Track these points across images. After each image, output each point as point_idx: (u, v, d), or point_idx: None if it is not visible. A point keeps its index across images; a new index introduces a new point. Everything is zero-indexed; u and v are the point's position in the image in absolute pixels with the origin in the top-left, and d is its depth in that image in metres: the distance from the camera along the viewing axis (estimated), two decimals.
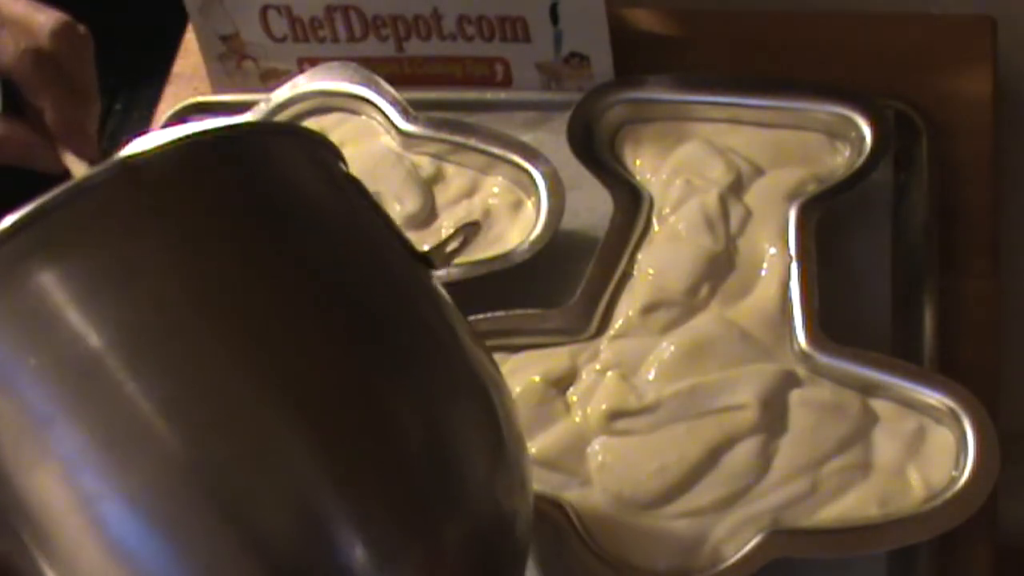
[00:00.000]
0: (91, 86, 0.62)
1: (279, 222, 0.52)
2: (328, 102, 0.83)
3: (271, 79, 0.85)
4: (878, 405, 0.67)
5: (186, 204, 0.50)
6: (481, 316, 0.71)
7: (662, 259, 0.73)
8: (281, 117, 0.82)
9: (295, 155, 0.54)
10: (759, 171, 0.76)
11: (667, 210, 0.75)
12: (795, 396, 0.68)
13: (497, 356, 0.70)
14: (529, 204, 0.77)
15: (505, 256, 0.74)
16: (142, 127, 0.87)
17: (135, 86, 0.95)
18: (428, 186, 0.79)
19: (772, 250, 0.72)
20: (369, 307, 0.52)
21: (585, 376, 0.70)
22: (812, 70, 0.80)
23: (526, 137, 0.79)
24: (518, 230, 0.76)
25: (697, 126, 0.78)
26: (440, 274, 0.57)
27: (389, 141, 0.81)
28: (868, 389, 0.67)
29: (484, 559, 0.51)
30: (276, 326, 0.49)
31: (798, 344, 0.69)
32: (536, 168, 0.76)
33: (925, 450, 0.66)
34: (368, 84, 0.81)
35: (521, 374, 0.70)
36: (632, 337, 0.71)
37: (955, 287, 0.73)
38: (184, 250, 0.49)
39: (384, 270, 0.54)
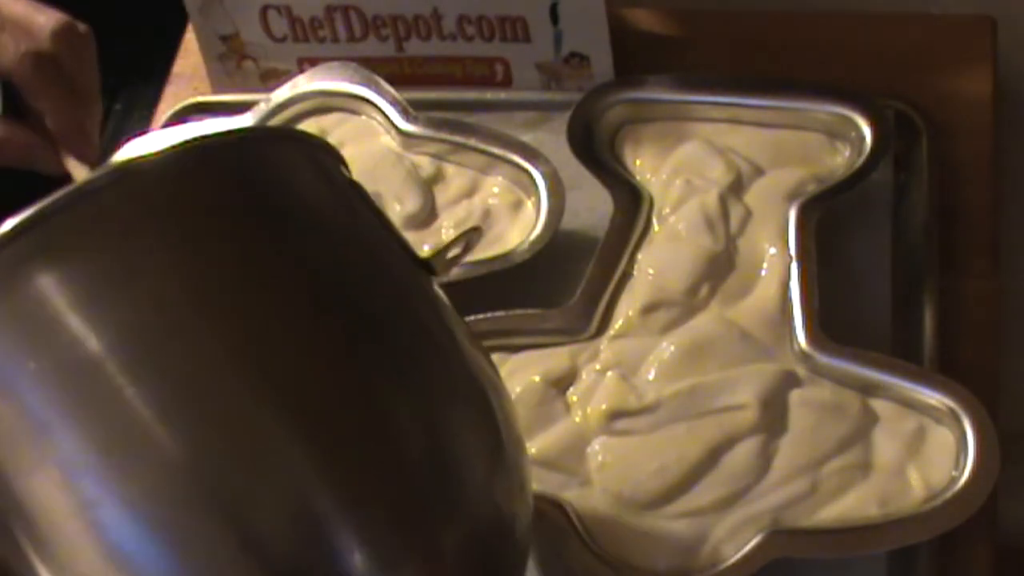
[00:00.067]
0: (92, 87, 0.62)
1: (279, 226, 0.52)
2: (328, 102, 0.83)
3: (271, 79, 0.85)
4: (878, 405, 0.67)
5: (186, 208, 0.50)
6: (481, 316, 0.71)
7: (662, 259, 0.73)
8: (281, 117, 0.82)
9: (295, 159, 0.54)
10: (759, 171, 0.76)
11: (667, 210, 0.75)
12: (795, 396, 0.68)
13: (497, 356, 0.71)
14: (529, 204, 0.77)
15: (505, 256, 0.74)
16: (142, 127, 0.87)
17: (135, 86, 0.95)
18: (428, 186, 0.79)
19: (772, 250, 0.72)
20: (368, 311, 0.52)
21: (585, 376, 0.70)
22: (812, 70, 0.80)
23: (526, 137, 0.79)
24: (518, 230, 0.76)
25: (697, 126, 0.78)
26: None
27: (389, 141, 0.81)
28: (868, 389, 0.67)
29: (484, 562, 0.51)
30: (275, 330, 0.49)
31: (798, 344, 0.69)
32: (536, 168, 0.76)
33: (925, 450, 0.66)
34: (368, 84, 0.81)
35: (521, 374, 0.70)
36: (632, 337, 0.71)
37: (955, 287, 0.73)
38: (184, 254, 0.49)
39: (384, 274, 0.54)
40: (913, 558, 0.65)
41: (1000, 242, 0.76)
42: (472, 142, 0.79)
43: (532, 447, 0.68)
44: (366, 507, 0.48)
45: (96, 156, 0.62)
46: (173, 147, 0.51)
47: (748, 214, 0.74)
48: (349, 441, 0.49)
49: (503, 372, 0.70)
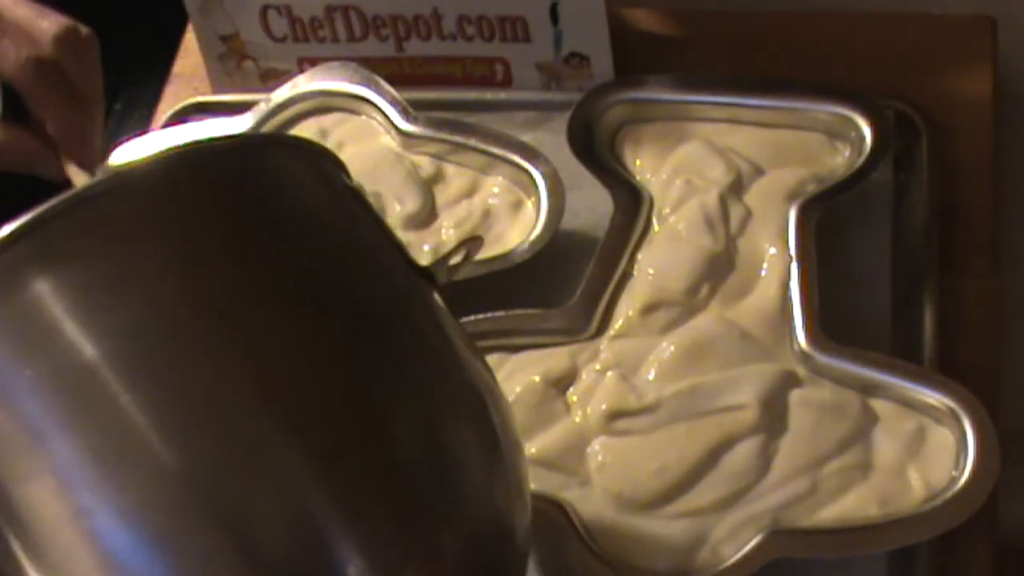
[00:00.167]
0: (95, 92, 0.62)
1: (277, 232, 0.51)
2: (328, 102, 0.83)
3: (271, 79, 0.85)
4: (878, 405, 0.67)
5: (184, 213, 0.50)
6: (481, 316, 0.71)
7: (662, 259, 0.73)
8: (281, 117, 0.82)
9: (295, 165, 0.54)
10: (759, 171, 0.76)
11: (667, 210, 0.75)
12: (795, 396, 0.68)
13: (497, 356, 0.71)
14: (529, 204, 0.77)
15: (505, 256, 0.74)
16: (142, 127, 0.87)
17: (135, 86, 0.95)
18: (428, 186, 0.79)
19: (772, 250, 0.72)
20: (366, 317, 0.51)
21: (585, 376, 0.70)
22: (812, 70, 0.80)
23: (526, 137, 0.79)
24: (518, 230, 0.76)
25: (697, 126, 0.78)
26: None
27: (389, 141, 0.81)
28: (868, 389, 0.67)
29: (484, 565, 0.51)
30: (273, 336, 0.49)
31: (798, 344, 0.69)
32: (536, 168, 0.76)
33: (925, 450, 0.66)
34: (368, 84, 0.81)
35: (521, 374, 0.70)
36: (632, 337, 0.71)
37: (955, 287, 0.73)
38: (182, 259, 0.49)
39: (382, 281, 0.53)
40: (913, 558, 0.65)
41: (1000, 242, 0.76)
42: (472, 142, 0.79)
43: (532, 447, 0.68)
44: (364, 513, 0.48)
45: (97, 162, 0.62)
46: (171, 152, 0.51)
47: (748, 214, 0.74)
48: (347, 447, 0.49)
49: (503, 372, 0.70)
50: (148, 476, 0.47)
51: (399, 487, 0.49)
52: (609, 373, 0.69)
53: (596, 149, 0.77)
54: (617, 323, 0.71)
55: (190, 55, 0.88)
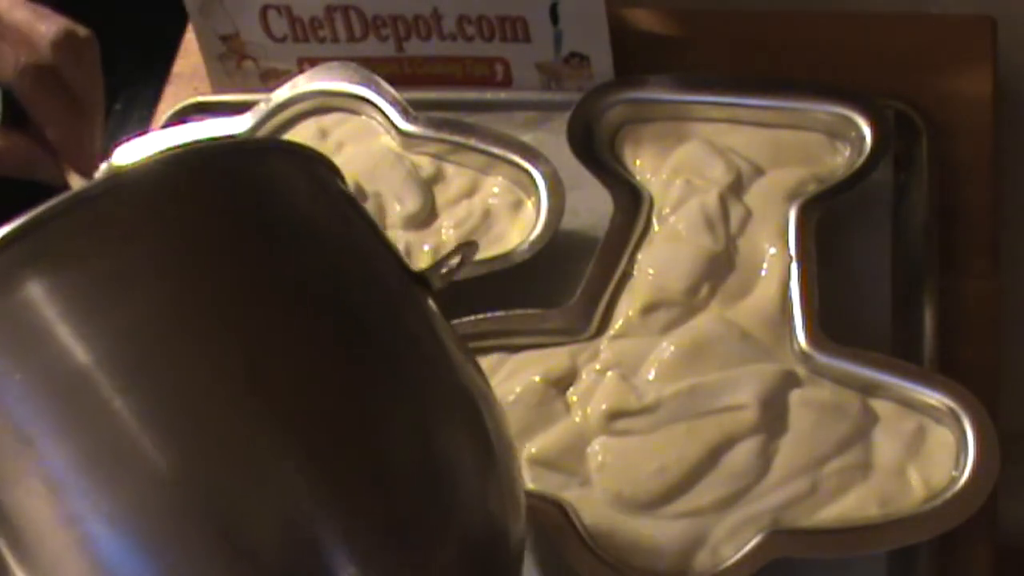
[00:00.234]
0: (94, 96, 0.62)
1: (272, 237, 0.51)
2: (328, 102, 0.83)
3: (271, 79, 0.85)
4: (878, 405, 0.67)
5: (179, 217, 0.50)
6: (481, 316, 0.71)
7: (662, 259, 0.73)
8: (281, 117, 0.82)
9: (290, 170, 0.54)
10: (759, 171, 0.76)
11: (667, 210, 0.75)
12: (795, 396, 0.68)
13: (497, 356, 0.71)
14: (529, 204, 0.77)
15: (505, 256, 0.74)
16: (142, 127, 0.87)
17: (135, 86, 0.95)
18: (428, 186, 0.79)
19: (772, 250, 0.72)
20: (361, 323, 0.51)
21: (585, 376, 0.70)
22: (812, 70, 0.80)
23: (526, 137, 0.79)
24: (518, 230, 0.76)
25: (697, 126, 0.78)
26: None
27: (389, 141, 0.81)
28: (868, 389, 0.67)
29: (478, 571, 0.51)
30: (267, 342, 0.49)
31: (798, 344, 0.69)
32: (536, 168, 0.76)
33: (925, 450, 0.66)
34: (368, 84, 0.81)
35: (521, 374, 0.70)
36: (632, 337, 0.71)
37: (955, 287, 0.73)
38: (176, 264, 0.49)
39: (377, 286, 0.53)
40: (913, 558, 0.65)
41: (1000, 242, 0.76)
42: (472, 142, 0.79)
43: (532, 447, 0.68)
44: (359, 519, 0.48)
45: (96, 168, 0.62)
46: (167, 155, 0.51)
47: (748, 214, 0.74)
48: (341, 452, 0.48)
49: (503, 372, 0.70)
50: (141, 481, 0.46)
51: (393, 493, 0.49)
52: (609, 373, 0.69)
53: (596, 149, 0.77)
54: (617, 323, 0.71)
55: (190, 55, 0.88)
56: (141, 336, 0.48)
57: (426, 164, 0.80)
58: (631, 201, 0.75)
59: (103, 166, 0.63)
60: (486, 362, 0.71)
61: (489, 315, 0.71)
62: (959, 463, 0.64)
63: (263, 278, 0.50)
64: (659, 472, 0.66)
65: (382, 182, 0.78)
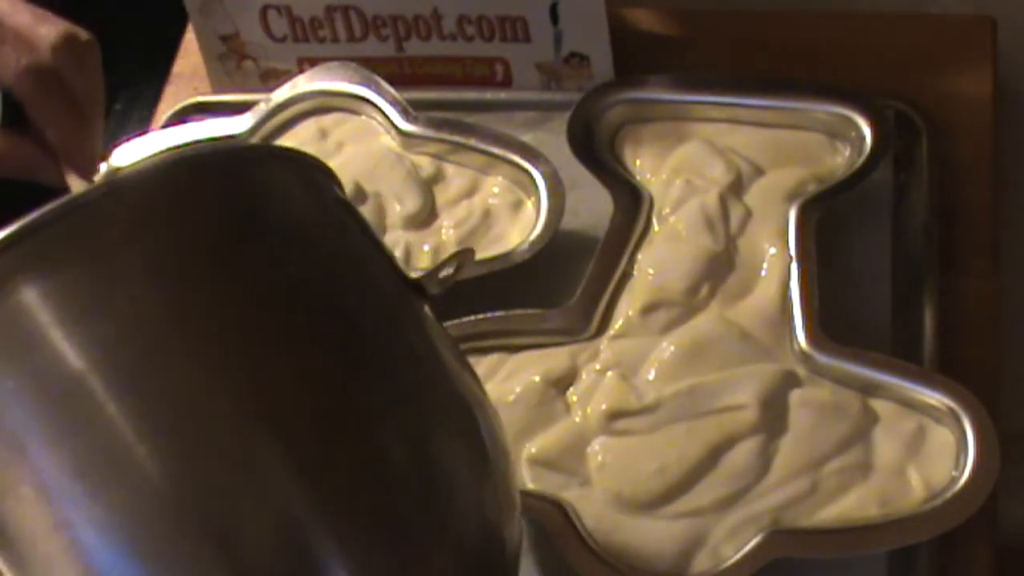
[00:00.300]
0: (95, 98, 0.62)
1: (267, 244, 0.51)
2: (328, 102, 0.83)
3: (271, 79, 0.85)
4: (878, 405, 0.67)
5: (174, 224, 0.50)
6: (481, 316, 0.71)
7: (662, 259, 0.73)
8: (281, 117, 0.82)
9: (286, 177, 0.54)
10: (759, 171, 0.76)
11: (667, 210, 0.75)
12: (795, 396, 0.68)
13: (497, 356, 0.71)
14: (529, 204, 0.77)
15: (505, 256, 0.74)
16: (142, 127, 0.87)
17: (135, 86, 0.95)
18: (428, 186, 0.79)
19: (772, 250, 0.72)
20: (355, 330, 0.51)
21: (585, 376, 0.70)
22: (812, 70, 0.80)
23: (526, 137, 0.79)
24: (518, 230, 0.76)
25: (697, 126, 0.78)
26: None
27: (389, 141, 0.81)
28: (868, 389, 0.67)
29: None
30: (261, 349, 0.49)
31: (798, 344, 0.69)
32: (536, 168, 0.76)
33: (925, 450, 0.66)
34: (368, 84, 0.81)
35: (521, 374, 0.70)
36: (632, 337, 0.71)
37: (955, 287, 0.73)
38: (170, 270, 0.49)
39: (371, 294, 0.53)
40: (913, 558, 0.65)
41: (1000, 242, 0.76)
42: (472, 142, 0.79)
43: (532, 447, 0.68)
44: (353, 527, 0.48)
45: (94, 174, 0.62)
46: (162, 161, 0.51)
47: (748, 214, 0.74)
48: (335, 462, 0.48)
49: (503, 372, 0.70)
50: (134, 487, 0.46)
51: (387, 498, 0.49)
52: (609, 373, 0.69)
53: (596, 149, 0.77)
54: (617, 323, 0.71)
55: (190, 55, 0.88)
56: (134, 342, 0.48)
57: (426, 164, 0.80)
58: (631, 201, 0.75)
59: (103, 167, 0.63)
60: (486, 362, 0.71)
61: (489, 315, 0.71)
62: (959, 463, 0.64)
63: (257, 284, 0.50)
64: (659, 472, 0.66)
65: (382, 182, 0.78)
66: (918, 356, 0.70)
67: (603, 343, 0.71)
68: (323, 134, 0.82)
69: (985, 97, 0.80)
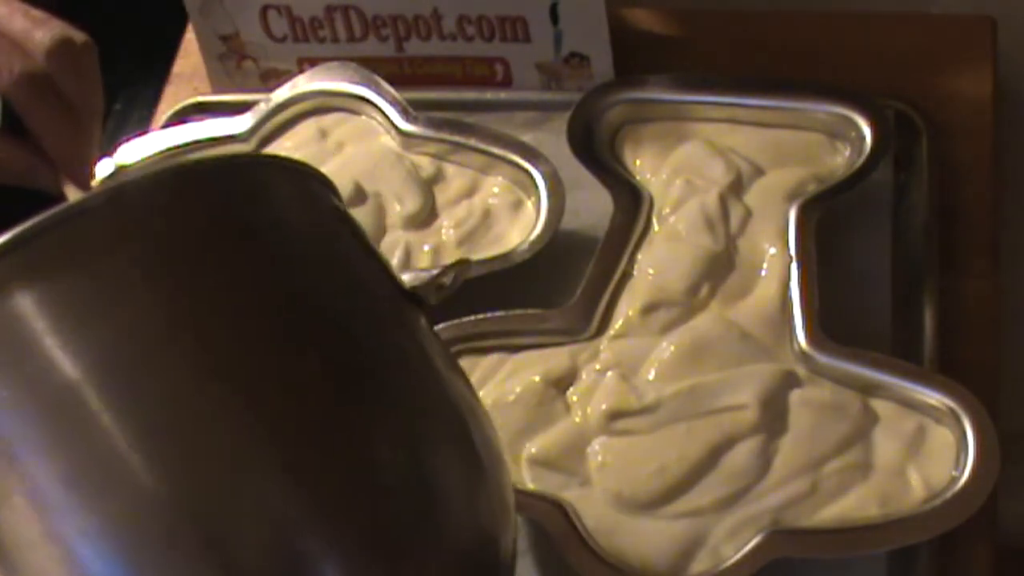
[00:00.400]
0: (93, 102, 0.61)
1: (262, 253, 0.51)
2: (328, 102, 0.83)
3: (271, 79, 0.85)
4: (878, 405, 0.67)
5: (169, 234, 0.49)
6: (481, 316, 0.71)
7: (662, 259, 0.73)
8: (281, 117, 0.82)
9: (281, 186, 0.54)
10: (759, 171, 0.76)
11: (667, 210, 0.75)
12: (795, 396, 0.68)
13: (497, 356, 0.71)
14: (529, 204, 0.77)
15: (505, 256, 0.74)
16: (142, 127, 0.87)
17: (135, 86, 0.95)
18: (428, 186, 0.79)
19: (772, 250, 0.72)
20: (349, 339, 0.51)
21: (585, 376, 0.70)
22: (812, 70, 0.80)
23: (526, 137, 0.79)
24: (518, 230, 0.76)
25: (697, 126, 0.78)
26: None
27: (389, 141, 0.81)
28: (868, 389, 0.67)
29: None
30: (255, 358, 0.49)
31: (798, 344, 0.69)
32: (536, 168, 0.76)
33: (925, 450, 0.66)
34: (368, 84, 0.81)
35: (521, 374, 0.70)
36: (632, 337, 0.71)
37: (955, 287, 0.73)
38: (164, 280, 0.49)
39: (366, 303, 0.53)
40: (913, 558, 0.65)
41: (1000, 242, 0.76)
42: (472, 142, 0.79)
43: (532, 447, 0.68)
44: (347, 536, 0.48)
45: (92, 177, 0.62)
46: (159, 170, 0.51)
47: (748, 214, 0.74)
48: (329, 470, 0.48)
49: (503, 372, 0.70)
50: (127, 497, 0.46)
51: (382, 508, 0.49)
52: (609, 373, 0.69)
53: (596, 149, 0.77)
54: (617, 323, 0.71)
55: (190, 55, 0.88)
56: (129, 350, 0.47)
57: (426, 164, 0.80)
58: (631, 201, 0.75)
59: (102, 170, 0.63)
60: (486, 362, 0.71)
61: (489, 315, 0.71)
62: (959, 463, 0.64)
63: (251, 293, 0.50)
64: (659, 472, 0.66)
65: (382, 182, 0.78)
66: (918, 356, 0.70)
67: (603, 343, 0.71)
68: (323, 134, 0.82)
69: (985, 97, 0.80)
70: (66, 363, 0.47)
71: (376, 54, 0.83)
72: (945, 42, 0.82)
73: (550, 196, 0.75)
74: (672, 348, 0.69)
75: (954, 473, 0.64)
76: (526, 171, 0.77)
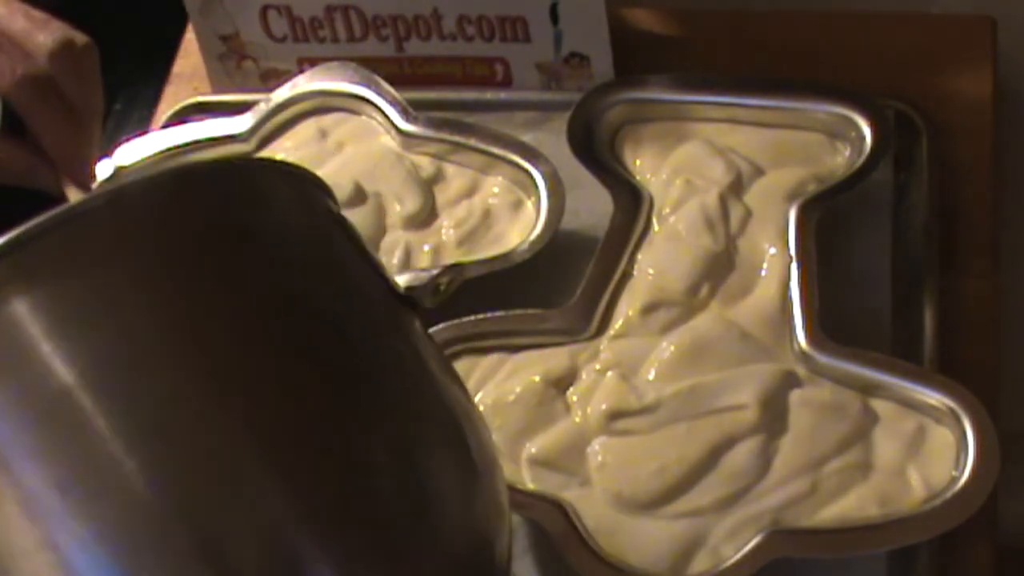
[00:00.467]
0: (93, 104, 0.61)
1: (258, 258, 0.51)
2: (328, 102, 0.83)
3: (271, 79, 0.85)
4: (878, 405, 0.67)
5: (165, 238, 0.49)
6: (481, 316, 0.71)
7: (662, 259, 0.73)
8: (281, 117, 0.82)
9: (278, 190, 0.54)
10: (759, 171, 0.76)
11: (667, 210, 0.75)
12: (795, 396, 0.68)
13: (497, 356, 0.71)
14: (529, 204, 0.77)
15: (505, 256, 0.74)
16: (142, 127, 0.87)
17: (135, 86, 0.95)
18: (428, 186, 0.79)
19: (772, 250, 0.72)
20: (344, 344, 0.51)
21: (585, 376, 0.70)
22: (812, 70, 0.80)
23: (526, 137, 0.79)
24: (518, 230, 0.76)
25: (697, 126, 0.78)
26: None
27: (389, 141, 0.81)
28: (868, 389, 0.67)
29: None
30: (250, 364, 0.48)
31: (798, 344, 0.69)
32: (536, 168, 0.76)
33: (925, 450, 0.66)
34: (368, 84, 0.81)
35: (521, 374, 0.70)
36: (632, 337, 0.71)
37: (955, 287, 0.73)
38: (160, 284, 0.49)
39: (361, 307, 0.53)
40: (913, 558, 0.65)
41: (1000, 242, 0.76)
42: (472, 142, 0.79)
43: (532, 447, 0.68)
44: (342, 542, 0.47)
45: (93, 178, 0.62)
46: (155, 174, 0.51)
47: (748, 214, 0.74)
48: (324, 476, 0.48)
49: (503, 372, 0.70)
50: (119, 504, 0.46)
51: (376, 513, 0.49)
52: (609, 373, 0.69)
53: (596, 149, 0.77)
54: (617, 323, 0.71)
55: (190, 55, 0.88)
56: (123, 355, 0.47)
57: (426, 164, 0.80)
58: (631, 201, 0.75)
59: (100, 174, 0.63)
60: (486, 362, 0.71)
61: (489, 315, 0.71)
62: (959, 463, 0.64)
63: (246, 297, 0.50)
64: (659, 472, 0.66)
65: (382, 182, 0.78)
66: (918, 356, 0.70)
67: (603, 343, 0.71)
68: (323, 134, 0.82)
69: (985, 97, 0.80)
70: (61, 368, 0.47)
71: (376, 54, 0.83)
72: (945, 42, 0.82)
73: (550, 196, 0.75)
74: (672, 348, 0.69)
75: (954, 473, 0.64)
76: (526, 171, 0.77)
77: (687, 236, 0.73)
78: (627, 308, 0.71)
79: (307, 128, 0.82)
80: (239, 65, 0.85)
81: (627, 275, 0.73)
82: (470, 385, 0.70)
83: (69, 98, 0.60)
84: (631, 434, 0.67)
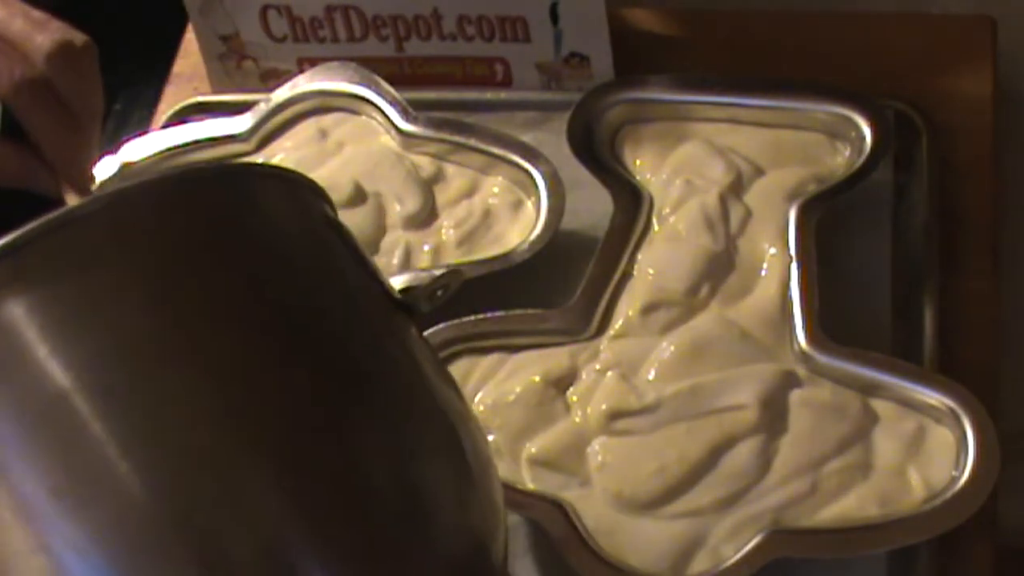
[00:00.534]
0: (92, 105, 0.61)
1: (251, 262, 0.51)
2: (328, 102, 0.83)
3: (271, 79, 0.85)
4: (878, 405, 0.67)
5: (159, 242, 0.49)
6: (481, 316, 0.71)
7: (662, 259, 0.73)
8: (281, 117, 0.82)
9: (273, 196, 0.54)
10: (759, 171, 0.76)
11: (667, 210, 0.75)
12: (795, 396, 0.68)
13: (497, 356, 0.71)
14: (529, 204, 0.77)
15: (505, 256, 0.74)
16: (142, 127, 0.87)
17: (135, 86, 0.95)
18: (428, 186, 0.79)
19: (772, 250, 0.72)
20: (339, 349, 0.51)
21: (585, 376, 0.70)
22: (812, 70, 0.80)
23: (526, 137, 0.79)
24: (518, 230, 0.76)
25: (697, 126, 0.78)
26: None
27: (389, 141, 0.81)
28: (868, 389, 0.67)
29: None
30: (245, 368, 0.48)
31: (798, 344, 0.69)
32: (536, 168, 0.76)
33: (925, 450, 0.66)
34: (368, 84, 0.81)
35: (521, 374, 0.70)
36: (632, 337, 0.71)
37: (955, 287, 0.73)
38: (155, 288, 0.48)
39: (356, 312, 0.53)
40: (913, 558, 0.65)
41: (1000, 242, 0.76)
42: (472, 142, 0.79)
43: (532, 447, 0.68)
44: (338, 546, 0.47)
45: (92, 181, 0.62)
46: (150, 179, 0.51)
47: (748, 214, 0.74)
48: (319, 480, 0.48)
49: (503, 372, 0.70)
50: (114, 508, 0.46)
51: (372, 518, 0.48)
52: (609, 373, 0.69)
53: (596, 149, 0.77)
54: (617, 323, 0.71)
55: (190, 55, 0.88)
56: (118, 359, 0.47)
57: (426, 164, 0.80)
58: (631, 201, 0.75)
59: (99, 175, 0.63)
60: (486, 362, 0.71)
61: (489, 315, 0.71)
62: (959, 463, 0.64)
63: (240, 302, 0.50)
64: (659, 472, 0.66)
65: (382, 182, 0.78)
66: (918, 356, 0.70)
67: (603, 343, 0.71)
68: (323, 134, 0.82)
69: (985, 97, 0.80)
70: (57, 371, 0.47)
71: (376, 54, 0.83)
72: (945, 42, 0.82)
73: (550, 196, 0.75)
74: (672, 348, 0.69)
75: (954, 473, 0.64)
76: (526, 171, 0.77)
77: (687, 236, 0.73)
78: (627, 308, 0.71)
79: (307, 128, 0.82)
80: (239, 65, 0.85)
81: (627, 275, 0.73)
82: (470, 385, 0.70)
83: (67, 100, 0.60)
84: (631, 434, 0.67)
